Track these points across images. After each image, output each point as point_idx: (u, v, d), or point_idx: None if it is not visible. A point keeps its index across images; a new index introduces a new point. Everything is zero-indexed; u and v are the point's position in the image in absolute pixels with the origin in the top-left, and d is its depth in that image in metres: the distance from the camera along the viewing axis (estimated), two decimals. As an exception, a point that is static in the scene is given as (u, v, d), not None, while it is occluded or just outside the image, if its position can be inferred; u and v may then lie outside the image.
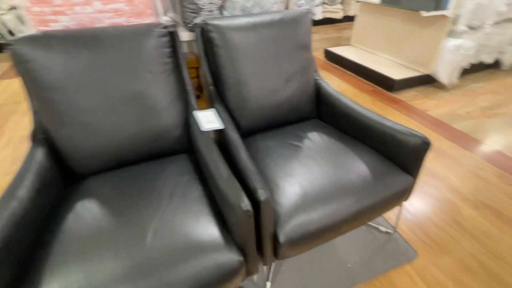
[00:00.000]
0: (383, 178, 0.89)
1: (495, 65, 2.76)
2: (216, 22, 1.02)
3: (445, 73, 2.28)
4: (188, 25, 1.14)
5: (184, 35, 1.15)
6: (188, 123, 1.01)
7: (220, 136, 1.04)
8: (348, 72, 2.81)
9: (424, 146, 0.84)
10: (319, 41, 3.86)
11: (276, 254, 0.77)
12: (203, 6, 1.07)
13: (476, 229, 1.22)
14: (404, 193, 0.92)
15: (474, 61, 2.52)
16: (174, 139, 0.99)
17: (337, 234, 0.84)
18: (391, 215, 1.27)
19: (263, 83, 1.05)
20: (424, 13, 1.99)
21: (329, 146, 1.00)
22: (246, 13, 1.18)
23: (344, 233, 0.87)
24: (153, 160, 0.99)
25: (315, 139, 1.03)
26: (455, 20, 2.13)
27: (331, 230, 0.80)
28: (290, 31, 1.09)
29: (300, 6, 4.26)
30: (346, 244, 1.10)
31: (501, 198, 1.37)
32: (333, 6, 4.57)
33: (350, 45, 3.19)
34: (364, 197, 0.83)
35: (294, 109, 1.14)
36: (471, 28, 2.24)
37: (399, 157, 0.92)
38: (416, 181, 0.93)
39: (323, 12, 4.52)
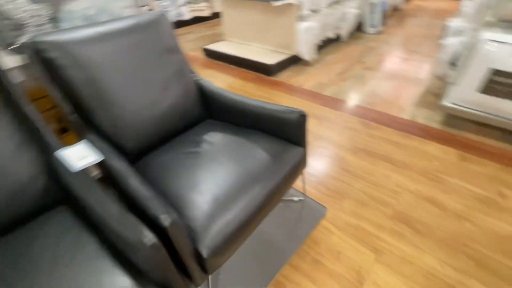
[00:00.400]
0: (280, 156, 0.96)
1: (337, 39, 3.45)
2: (51, 38, 0.83)
3: (305, 51, 2.68)
4: (12, 47, 0.88)
5: (10, 60, 0.89)
6: (54, 167, 0.81)
7: (105, 170, 0.88)
8: (231, 66, 2.92)
9: (302, 118, 0.96)
10: (195, 40, 3.84)
11: (205, 270, 0.72)
12: (25, 20, 0.85)
13: (359, 169, 1.52)
14: (301, 163, 1.03)
15: (323, 38, 3.07)
16: (39, 193, 0.77)
17: (257, 222, 0.87)
18: (299, 183, 1.42)
19: (136, 97, 0.94)
20: (274, 3, 2.26)
21: (227, 143, 1.00)
22: (91, 22, 1.01)
23: (264, 218, 0.90)
24: (19, 228, 0.74)
25: (212, 140, 1.02)
26: (300, 7, 2.51)
27: (250, 222, 0.81)
28: (151, 35, 1.01)
29: (165, 8, 4.09)
30: (270, 225, 1.17)
31: (366, 140, 1.75)
32: (198, 4, 4.60)
33: (225, 40, 3.31)
34: (270, 180, 0.89)
35: (182, 115, 1.08)
36: (313, 11, 2.70)
37: (287, 134, 1.02)
38: (306, 150, 1.06)
39: (191, 11, 4.50)
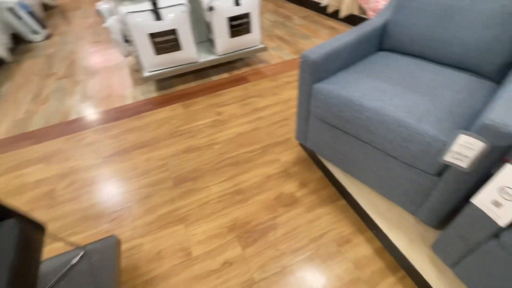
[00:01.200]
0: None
1: (3, 61, 2.65)
2: None
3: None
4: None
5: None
6: None
7: None
8: None
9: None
10: None
11: None
12: None
13: (124, 172, 1.43)
14: (29, 234, 0.77)
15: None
16: None
17: None
18: (59, 245, 1.13)
19: None
20: None
21: None
22: None
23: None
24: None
25: None
26: None
27: None
28: None
29: None
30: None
31: (111, 143, 1.64)
32: None
33: None
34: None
35: None
36: None
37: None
38: (25, 214, 0.79)
39: None
